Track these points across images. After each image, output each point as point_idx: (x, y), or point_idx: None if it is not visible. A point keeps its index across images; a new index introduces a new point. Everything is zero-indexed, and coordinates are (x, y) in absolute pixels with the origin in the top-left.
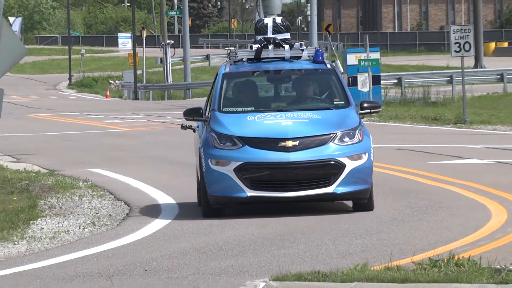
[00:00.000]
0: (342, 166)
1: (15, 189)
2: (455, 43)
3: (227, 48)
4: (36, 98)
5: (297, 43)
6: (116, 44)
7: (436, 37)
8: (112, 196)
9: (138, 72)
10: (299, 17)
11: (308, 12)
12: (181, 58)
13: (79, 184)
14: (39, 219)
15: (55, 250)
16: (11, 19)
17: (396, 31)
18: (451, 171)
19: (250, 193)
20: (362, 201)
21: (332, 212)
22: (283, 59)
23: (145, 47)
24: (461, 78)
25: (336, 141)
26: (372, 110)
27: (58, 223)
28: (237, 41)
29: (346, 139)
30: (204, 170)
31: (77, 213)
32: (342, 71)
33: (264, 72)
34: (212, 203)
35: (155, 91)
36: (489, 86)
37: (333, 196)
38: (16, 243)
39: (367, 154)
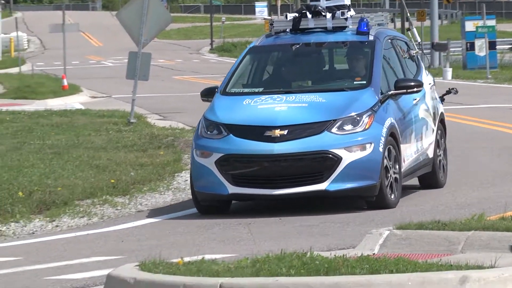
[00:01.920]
0: (337, 159)
1: (162, 144)
2: None
3: (265, 18)
4: (180, 62)
5: (338, 12)
6: (254, 12)
7: None
8: None
9: None
10: None
11: None
12: None
13: None
14: (183, 171)
15: None
16: None
17: None
18: None
19: (232, 190)
20: (368, 199)
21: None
22: (326, 29)
23: (280, 15)
24: None
25: (333, 129)
26: (408, 91)
27: None
28: (364, 9)
29: (348, 126)
30: (191, 162)
31: None
32: (419, 40)
33: (294, 46)
34: (200, 200)
35: None
36: None
37: (326, 194)
38: (162, 193)
39: (372, 144)
